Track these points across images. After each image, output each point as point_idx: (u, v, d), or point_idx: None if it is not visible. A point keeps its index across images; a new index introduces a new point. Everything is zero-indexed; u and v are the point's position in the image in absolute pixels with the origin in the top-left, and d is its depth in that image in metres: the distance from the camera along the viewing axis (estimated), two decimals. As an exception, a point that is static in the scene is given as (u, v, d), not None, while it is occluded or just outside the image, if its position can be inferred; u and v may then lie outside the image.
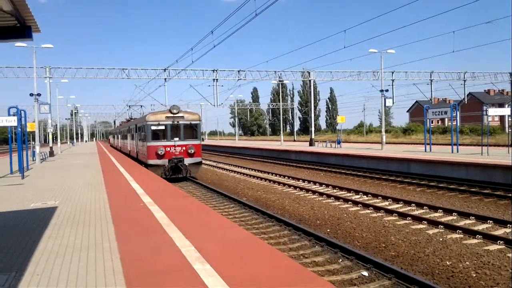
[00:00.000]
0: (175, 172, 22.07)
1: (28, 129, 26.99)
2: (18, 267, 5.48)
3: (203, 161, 27.50)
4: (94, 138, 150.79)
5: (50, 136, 38.63)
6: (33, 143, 31.32)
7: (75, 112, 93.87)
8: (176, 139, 22.47)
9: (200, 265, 5.27)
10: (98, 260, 5.66)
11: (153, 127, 22.52)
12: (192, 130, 23.15)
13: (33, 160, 27.36)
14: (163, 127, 22.50)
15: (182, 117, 22.81)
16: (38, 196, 12.05)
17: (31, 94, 28.79)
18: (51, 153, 35.44)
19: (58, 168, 22.85)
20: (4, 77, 37.45)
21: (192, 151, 22.52)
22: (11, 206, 10.42)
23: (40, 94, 29.35)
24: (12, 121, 17.98)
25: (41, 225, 7.99)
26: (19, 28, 7.43)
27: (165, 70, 40.94)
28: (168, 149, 22.23)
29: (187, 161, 22.40)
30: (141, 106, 47.88)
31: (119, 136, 46.26)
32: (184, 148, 22.45)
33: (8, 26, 7.50)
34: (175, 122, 22.58)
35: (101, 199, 11.02)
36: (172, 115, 22.57)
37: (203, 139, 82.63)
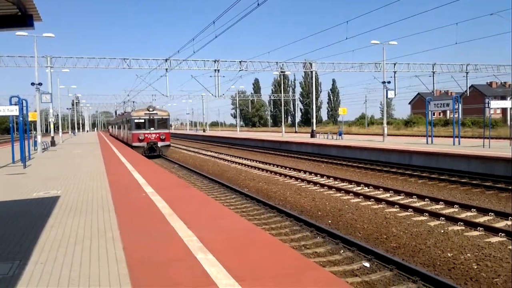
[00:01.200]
0: (151, 152, 30.85)
1: (30, 119, 26.94)
2: (21, 255, 5.51)
3: (206, 152, 34.41)
4: (95, 128, 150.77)
5: (52, 126, 38.67)
6: (34, 132, 31.37)
7: (76, 102, 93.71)
8: (152, 128, 31.70)
9: (202, 254, 5.29)
10: (101, 249, 5.68)
11: (136, 120, 31.80)
12: (163, 123, 32.47)
13: (34, 149, 27.41)
14: (143, 120, 31.70)
15: (156, 113, 32.21)
16: (40, 185, 12.08)
17: (33, 84, 28.67)
18: (53, 143, 35.48)
19: (59, 157, 22.89)
20: (5, 66, 37.35)
21: (163, 137, 31.81)
22: (14, 195, 10.46)
23: (41, 84, 29.23)
24: (13, 111, 17.96)
25: (44, 214, 8.02)
26: (20, 17, 7.39)
27: (166, 60, 40.77)
28: (146, 135, 31.40)
29: (160, 144, 31.59)
30: (133, 102, 60.12)
31: (116, 126, 57.76)
32: (157, 134, 31.69)
33: (10, 14, 7.46)
34: (151, 117, 31.79)
35: (103, 189, 11.05)
36: (149, 112, 32.00)
37: (204, 130, 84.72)
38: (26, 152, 19.23)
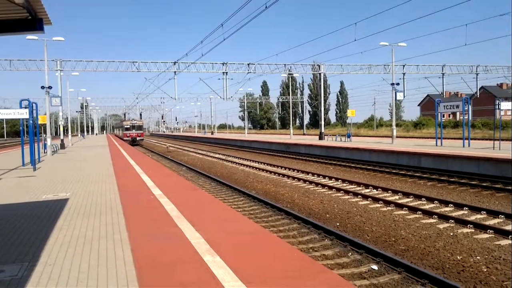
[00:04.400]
0: (133, 142, 54.07)
1: (40, 122, 27.21)
2: (30, 257, 5.55)
3: (214, 154, 31.71)
4: (104, 131, 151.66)
5: (61, 129, 38.96)
6: (44, 135, 31.60)
7: (85, 105, 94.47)
8: (134, 130, 58.22)
9: (210, 257, 5.30)
10: (109, 251, 5.71)
11: (125, 126, 58.83)
12: (140, 127, 60.44)
13: (44, 152, 27.63)
14: (129, 126, 58.44)
15: (136, 122, 60.28)
16: (49, 187, 12.19)
17: (42, 87, 28.92)
18: (62, 146, 35.78)
19: (69, 160, 23.07)
20: (16, 70, 37.76)
21: (140, 135, 59.13)
22: (23, 197, 10.56)
23: (51, 87, 29.47)
24: (23, 114, 18.13)
25: (53, 217, 8.08)
26: (31, 21, 7.47)
27: (175, 63, 40.98)
28: (131, 134, 57.70)
29: (138, 138, 58.00)
30: (128, 113, 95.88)
31: (118, 129, 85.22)
32: (136, 134, 58.22)
33: (20, 18, 7.55)
34: (133, 124, 58.90)
35: (112, 191, 11.11)
36: (132, 121, 59.92)
37: (212, 133, 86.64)
38: (36, 155, 19.40)
